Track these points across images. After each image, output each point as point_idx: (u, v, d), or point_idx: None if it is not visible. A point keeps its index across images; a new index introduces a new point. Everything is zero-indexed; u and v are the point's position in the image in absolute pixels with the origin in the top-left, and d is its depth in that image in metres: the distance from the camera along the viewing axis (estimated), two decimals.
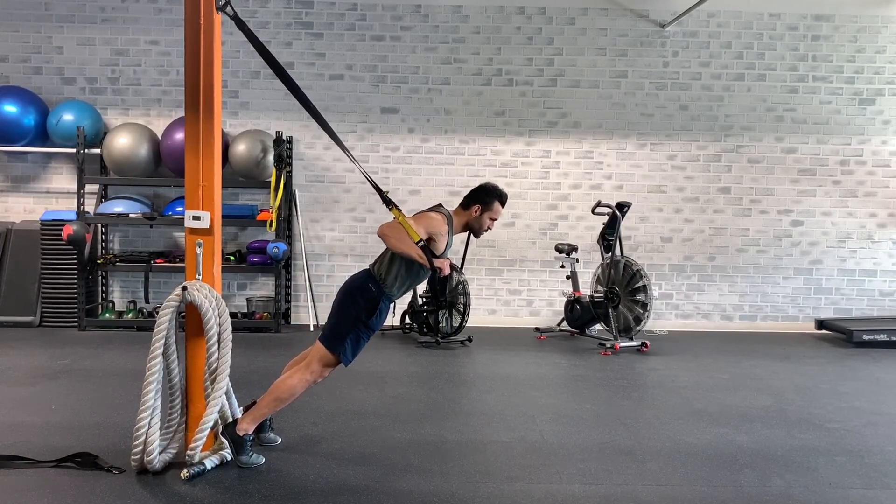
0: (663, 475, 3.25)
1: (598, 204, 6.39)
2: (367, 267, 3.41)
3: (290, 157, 6.75)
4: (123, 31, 7.05)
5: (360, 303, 3.27)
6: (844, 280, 7.33)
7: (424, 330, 6.32)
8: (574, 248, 6.59)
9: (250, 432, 3.27)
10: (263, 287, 7.13)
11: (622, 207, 6.29)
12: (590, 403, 4.44)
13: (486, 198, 3.45)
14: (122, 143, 6.54)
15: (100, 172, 6.85)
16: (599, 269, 6.67)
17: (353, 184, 7.09)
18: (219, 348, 3.16)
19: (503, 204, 3.50)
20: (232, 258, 6.71)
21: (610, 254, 6.30)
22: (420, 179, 7.14)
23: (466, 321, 6.20)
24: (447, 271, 3.33)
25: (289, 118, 6.99)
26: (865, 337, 6.42)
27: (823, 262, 7.31)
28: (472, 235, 3.64)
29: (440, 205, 3.49)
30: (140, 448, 3.05)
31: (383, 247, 3.33)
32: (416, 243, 3.23)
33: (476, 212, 3.44)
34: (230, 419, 3.27)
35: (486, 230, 3.52)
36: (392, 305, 3.44)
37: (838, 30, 7.20)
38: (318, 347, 3.30)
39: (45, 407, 4.13)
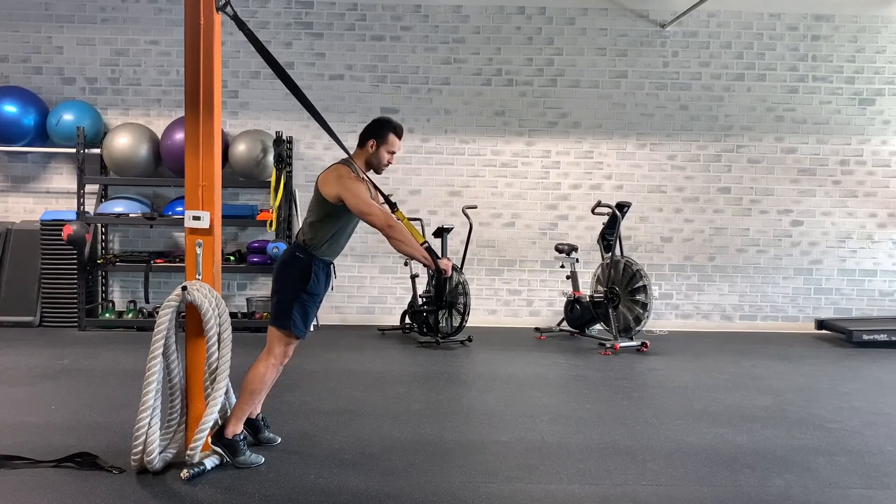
0: (663, 475, 3.25)
1: (598, 204, 6.39)
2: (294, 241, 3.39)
3: (290, 157, 6.74)
4: (123, 31, 7.05)
5: (293, 273, 3.28)
6: (844, 280, 7.33)
7: (424, 330, 6.32)
8: (574, 248, 6.58)
9: (239, 432, 3.26)
10: (263, 287, 7.13)
11: (622, 207, 6.28)
12: (590, 403, 4.44)
13: (379, 130, 3.37)
14: (122, 143, 6.54)
15: (100, 172, 6.85)
16: (599, 269, 6.66)
17: None
18: (219, 348, 3.16)
19: (399, 136, 3.39)
20: (232, 258, 6.71)
21: (610, 254, 6.30)
22: (420, 179, 7.14)
23: (466, 321, 6.20)
24: (449, 273, 3.34)
25: (289, 118, 6.99)
26: (865, 337, 6.42)
27: (823, 262, 7.31)
28: (376, 173, 3.51)
29: (340, 161, 3.39)
30: (140, 448, 3.05)
31: (385, 245, 3.33)
32: (421, 245, 3.24)
33: (372, 147, 3.36)
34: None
35: (387, 165, 3.40)
36: (332, 268, 3.42)
37: (838, 30, 7.20)
38: (270, 331, 3.33)
39: (45, 407, 4.13)
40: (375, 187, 3.39)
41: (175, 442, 3.22)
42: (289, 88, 3.34)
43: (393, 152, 3.40)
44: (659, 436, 3.80)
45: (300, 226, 3.43)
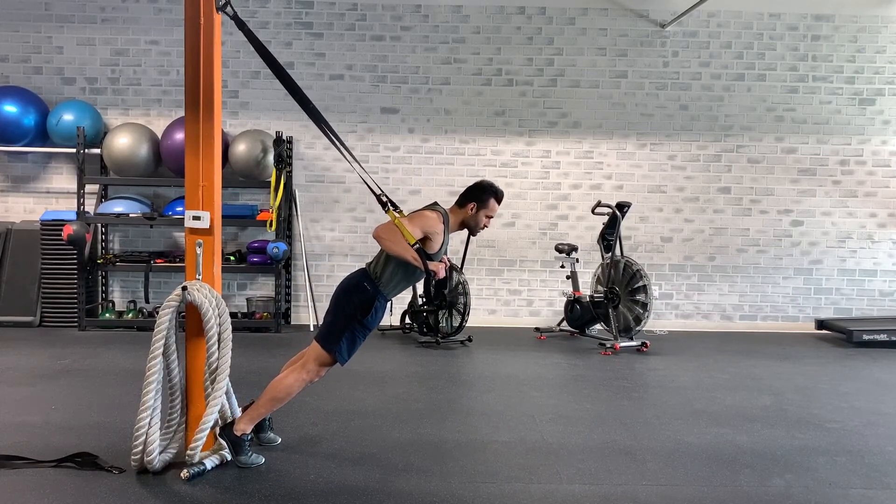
0: (663, 475, 3.25)
1: (598, 204, 6.39)
2: (364, 266, 3.41)
3: (290, 157, 6.75)
4: (123, 31, 7.05)
5: (355, 301, 3.26)
6: (844, 280, 7.33)
7: (424, 330, 6.32)
8: (574, 248, 6.58)
9: (248, 432, 3.27)
10: (263, 287, 7.13)
11: (622, 207, 6.28)
12: (590, 403, 4.44)
13: (481, 195, 3.42)
14: (122, 143, 6.54)
15: (100, 172, 6.85)
16: (599, 269, 6.67)
17: (353, 184, 7.09)
18: (219, 348, 3.16)
19: (499, 201, 3.47)
20: (232, 258, 6.71)
21: (610, 254, 6.30)
22: (420, 179, 7.14)
23: (466, 321, 6.20)
24: (442, 274, 3.31)
25: (289, 118, 6.98)
26: (865, 337, 6.42)
27: (823, 262, 7.31)
28: (470, 235, 3.63)
29: (436, 203, 3.46)
30: (140, 448, 3.06)
31: None
32: (412, 246, 3.22)
33: (472, 209, 3.41)
34: (230, 419, 3.27)
35: (483, 228, 3.48)
36: (389, 304, 3.43)
37: (838, 30, 7.20)
38: (314, 346, 3.31)
39: (45, 407, 4.13)
40: (371, 187, 3.33)
41: (175, 442, 3.22)
42: (288, 89, 3.33)
43: (491, 216, 3.46)
44: (659, 436, 3.80)
45: (374, 256, 3.41)
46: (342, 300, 3.30)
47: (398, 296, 3.50)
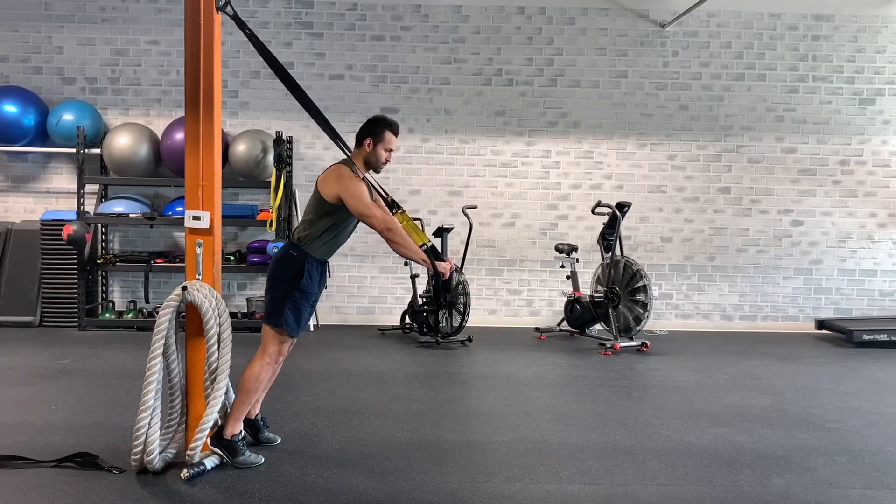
0: (663, 475, 3.25)
1: (598, 204, 6.39)
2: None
3: (290, 157, 6.74)
4: (123, 31, 7.05)
5: (286, 271, 3.29)
6: (844, 280, 7.33)
7: (424, 330, 6.32)
8: (574, 248, 6.58)
9: (237, 432, 3.26)
10: (263, 287, 7.11)
11: (622, 207, 6.28)
12: (590, 403, 4.44)
13: (375, 128, 3.38)
14: (122, 143, 6.54)
15: (100, 172, 6.84)
16: (599, 269, 6.66)
17: None
18: (219, 348, 3.16)
19: (395, 133, 3.41)
20: (232, 258, 6.71)
21: (610, 254, 6.30)
22: (420, 179, 7.14)
23: (466, 321, 6.20)
24: (447, 275, 3.33)
25: (289, 118, 6.98)
26: (865, 337, 6.42)
27: (823, 262, 7.31)
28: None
29: (335, 162, 3.41)
30: (140, 448, 3.05)
31: (385, 245, 3.32)
32: (420, 247, 3.24)
33: (369, 145, 3.37)
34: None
35: (385, 163, 3.41)
36: (326, 266, 3.42)
37: (838, 30, 7.20)
38: (264, 329, 3.33)
39: (45, 407, 4.13)
40: (376, 188, 3.40)
41: (175, 442, 3.22)
42: (289, 88, 3.35)
43: (390, 150, 3.40)
44: (659, 436, 3.80)
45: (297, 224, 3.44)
46: (274, 275, 3.35)
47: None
